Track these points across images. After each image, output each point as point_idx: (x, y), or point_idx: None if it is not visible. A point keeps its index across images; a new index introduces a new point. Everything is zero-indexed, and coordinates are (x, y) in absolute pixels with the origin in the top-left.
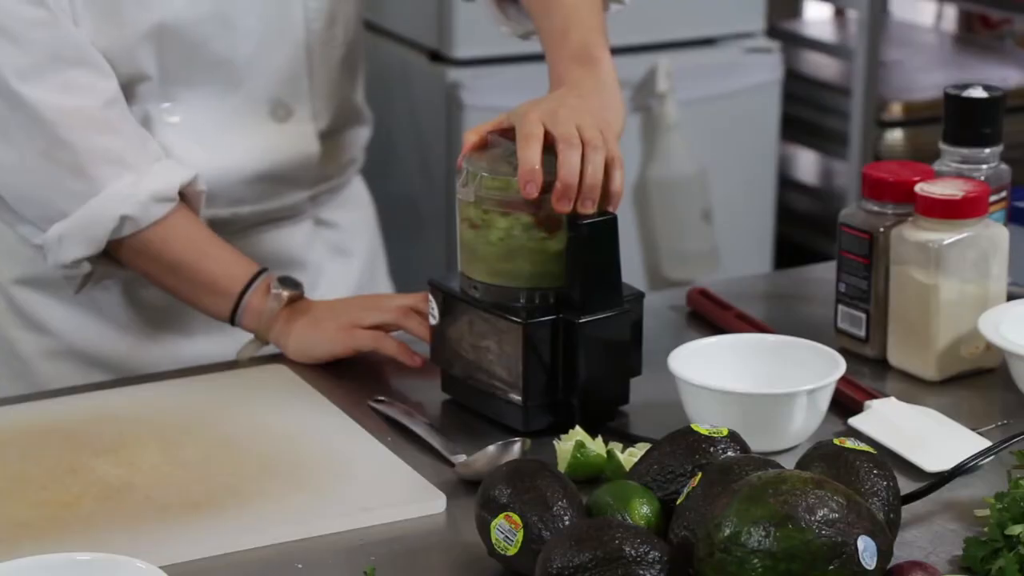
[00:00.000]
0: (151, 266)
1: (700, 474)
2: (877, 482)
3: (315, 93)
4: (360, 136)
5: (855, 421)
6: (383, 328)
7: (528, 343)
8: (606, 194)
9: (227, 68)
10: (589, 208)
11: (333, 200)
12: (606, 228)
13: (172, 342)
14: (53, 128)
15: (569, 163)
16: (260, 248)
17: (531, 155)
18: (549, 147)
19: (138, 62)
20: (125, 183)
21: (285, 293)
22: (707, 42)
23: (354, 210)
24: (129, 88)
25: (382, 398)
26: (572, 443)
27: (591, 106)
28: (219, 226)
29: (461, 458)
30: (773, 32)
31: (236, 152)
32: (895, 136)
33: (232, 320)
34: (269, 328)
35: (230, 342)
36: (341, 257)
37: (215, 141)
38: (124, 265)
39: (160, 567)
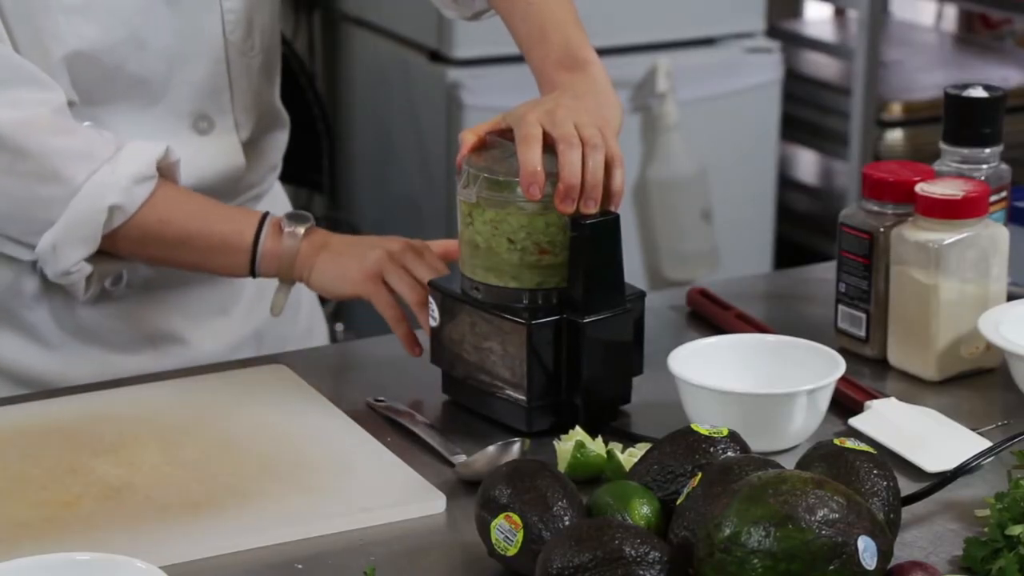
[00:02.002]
0: (156, 249)
1: (700, 474)
2: (877, 482)
3: (236, 103)
4: (280, 140)
5: (855, 421)
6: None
7: (532, 344)
8: (607, 193)
9: (144, 86)
10: (592, 208)
11: (255, 208)
12: (608, 227)
13: (103, 360)
14: (10, 141)
15: (570, 163)
16: None
17: (532, 156)
18: (548, 147)
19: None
20: (102, 174)
21: (300, 229)
22: (707, 42)
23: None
24: None
25: (382, 398)
26: (572, 443)
27: (588, 105)
28: None
29: (461, 458)
30: (773, 32)
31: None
32: (895, 136)
33: (253, 272)
34: (291, 267)
35: (161, 356)
36: None
37: None
38: (125, 258)
39: (160, 567)
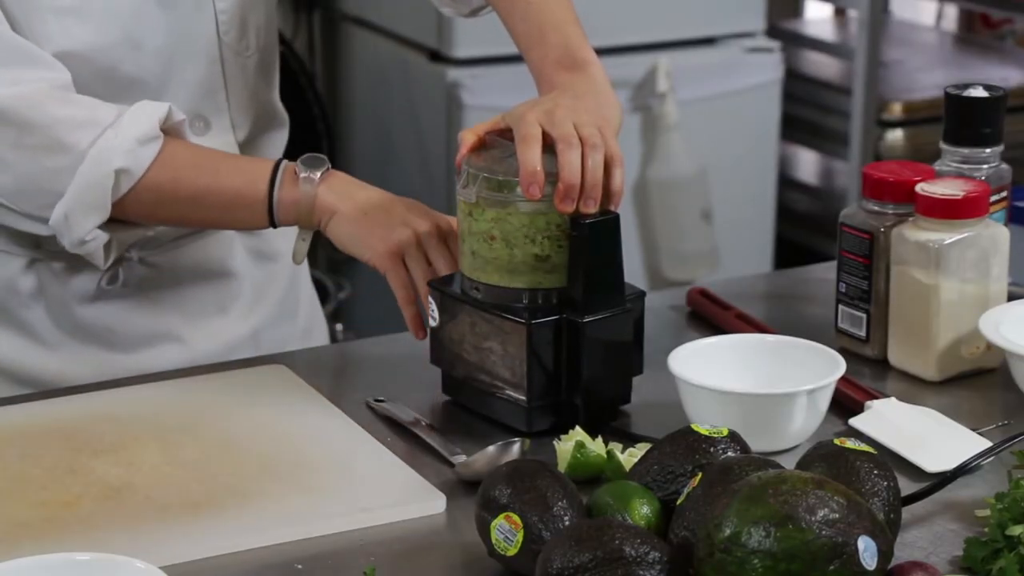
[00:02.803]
0: (173, 209)
1: (700, 474)
2: (878, 482)
3: (232, 103)
4: (278, 140)
5: (855, 421)
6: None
7: (532, 343)
8: (607, 193)
9: (139, 87)
10: (591, 208)
11: None
12: (608, 227)
13: (101, 359)
14: (13, 115)
15: (570, 163)
16: (184, 260)
17: (532, 156)
18: (548, 147)
19: None
20: (106, 139)
21: (316, 174)
22: (707, 42)
23: None
24: None
25: (382, 398)
26: (572, 443)
27: (587, 105)
28: (144, 241)
29: (461, 458)
30: (773, 32)
31: None
32: (895, 136)
33: (272, 223)
34: (311, 213)
35: (158, 356)
36: (266, 262)
37: None
38: (144, 224)
39: (160, 567)
